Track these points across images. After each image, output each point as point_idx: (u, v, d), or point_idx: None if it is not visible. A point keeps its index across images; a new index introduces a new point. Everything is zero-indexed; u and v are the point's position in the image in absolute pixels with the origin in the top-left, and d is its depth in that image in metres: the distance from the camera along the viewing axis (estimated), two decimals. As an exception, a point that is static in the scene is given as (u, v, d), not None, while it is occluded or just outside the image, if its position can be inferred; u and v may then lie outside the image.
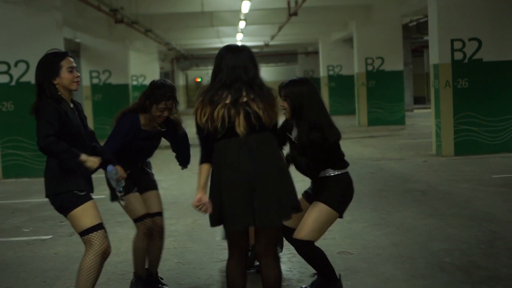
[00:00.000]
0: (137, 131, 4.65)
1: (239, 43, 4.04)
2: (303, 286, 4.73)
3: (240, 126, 3.59)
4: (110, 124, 4.88)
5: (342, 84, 26.29)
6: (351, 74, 24.99)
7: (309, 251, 4.41)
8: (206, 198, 3.67)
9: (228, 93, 3.63)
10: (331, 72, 26.85)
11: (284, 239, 4.84)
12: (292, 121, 4.45)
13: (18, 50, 11.72)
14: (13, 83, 11.76)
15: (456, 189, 8.74)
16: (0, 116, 11.79)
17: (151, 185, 4.88)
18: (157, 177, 5.11)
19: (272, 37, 24.72)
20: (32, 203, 9.17)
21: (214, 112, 3.59)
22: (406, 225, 6.72)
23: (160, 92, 4.62)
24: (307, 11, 17.20)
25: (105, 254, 3.97)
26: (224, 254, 5.82)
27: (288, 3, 15.73)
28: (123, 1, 15.26)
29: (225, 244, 6.14)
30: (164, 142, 5.05)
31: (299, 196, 4.19)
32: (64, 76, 3.97)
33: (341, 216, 4.50)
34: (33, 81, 12.58)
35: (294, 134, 4.45)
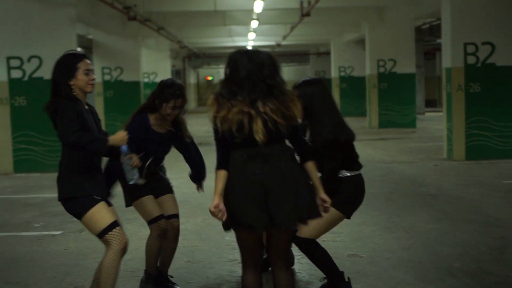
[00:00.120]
0: (147, 131, 4.66)
1: (249, 47, 3.98)
2: None
3: (259, 133, 3.50)
4: (122, 121, 4.90)
5: (353, 86, 26.25)
6: (363, 75, 24.92)
7: (310, 249, 4.41)
8: (222, 204, 3.60)
9: (244, 97, 3.54)
10: (342, 73, 26.80)
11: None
12: (305, 123, 4.45)
13: (31, 45, 11.79)
14: (26, 78, 11.83)
15: (466, 194, 8.71)
16: (13, 111, 11.85)
17: (166, 188, 4.88)
18: (167, 175, 5.11)
19: (284, 37, 24.71)
20: (43, 198, 9.22)
21: (229, 115, 3.52)
22: (416, 229, 6.70)
23: (169, 91, 4.64)
24: (320, 11, 17.17)
25: (124, 250, 4.02)
26: (234, 254, 5.86)
27: (301, 3, 15.71)
28: (137, -1, 15.32)
29: (234, 244, 6.17)
30: None
31: None
32: (80, 78, 4.00)
33: (348, 217, 4.49)
34: (45, 76, 12.76)
35: (307, 135, 4.45)
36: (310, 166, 3.76)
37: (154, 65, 25.24)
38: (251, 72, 3.55)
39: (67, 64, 4.00)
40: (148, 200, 4.71)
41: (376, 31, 19.70)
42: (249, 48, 3.82)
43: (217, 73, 44.21)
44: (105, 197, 4.12)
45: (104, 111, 19.37)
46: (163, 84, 4.70)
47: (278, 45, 29.18)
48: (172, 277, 5.00)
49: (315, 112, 4.36)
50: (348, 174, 4.41)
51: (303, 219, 3.67)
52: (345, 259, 5.54)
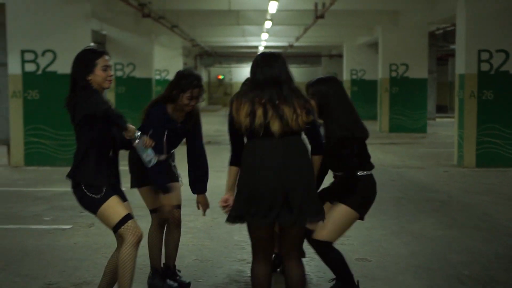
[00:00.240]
0: (167, 120, 4.68)
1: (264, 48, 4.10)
2: None
3: (275, 126, 3.63)
4: (138, 117, 4.91)
5: (365, 89, 26.19)
6: (375, 79, 24.87)
7: (327, 252, 4.41)
8: (232, 199, 3.70)
9: (263, 95, 3.68)
10: (354, 76, 26.75)
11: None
12: (319, 120, 4.45)
13: (46, 39, 11.85)
14: (40, 72, 11.89)
15: (476, 201, 8.68)
16: (25, 104, 11.92)
17: (173, 177, 4.90)
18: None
19: (297, 39, 24.68)
20: (53, 192, 9.26)
21: (250, 109, 3.65)
22: (425, 235, 6.68)
23: (187, 81, 4.66)
24: (334, 14, 17.15)
25: (139, 242, 4.07)
26: (242, 254, 5.87)
27: (315, 5, 15.70)
28: (151, -4, 15.35)
29: (243, 244, 6.20)
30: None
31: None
32: (98, 73, 4.04)
33: (362, 218, 4.49)
34: (59, 71, 12.81)
35: (321, 132, 4.45)
36: (316, 159, 3.95)
37: (166, 63, 25.27)
38: (268, 74, 3.70)
39: (86, 60, 4.04)
40: (153, 189, 4.73)
41: (390, 35, 19.66)
42: (270, 51, 3.90)
43: (228, 72, 44.21)
44: (119, 191, 4.15)
45: (116, 107, 19.38)
46: (181, 75, 4.72)
47: (291, 46, 29.16)
48: (179, 271, 5.02)
49: (330, 110, 4.36)
50: (363, 173, 4.41)
51: (309, 220, 3.71)
52: (353, 263, 5.53)
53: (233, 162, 3.82)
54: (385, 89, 19.93)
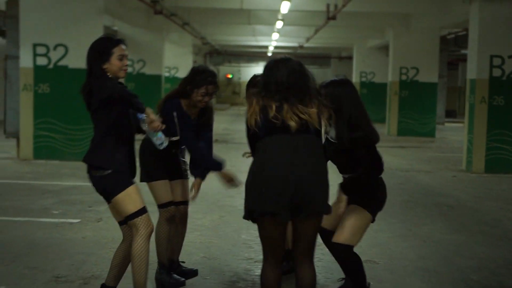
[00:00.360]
0: (182, 115, 4.68)
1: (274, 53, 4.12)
2: None
3: (292, 120, 3.63)
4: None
5: (374, 92, 26.16)
6: (384, 82, 24.83)
7: (347, 255, 4.39)
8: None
9: (278, 97, 3.69)
10: (363, 79, 26.73)
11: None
12: (331, 122, 4.44)
13: (58, 33, 11.90)
14: (51, 66, 11.93)
15: (484, 207, 8.66)
16: (36, 98, 11.96)
17: (181, 173, 4.91)
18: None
19: (308, 39, 24.68)
20: (62, 186, 9.29)
21: (263, 110, 3.66)
22: (433, 239, 6.67)
23: (201, 77, 4.66)
24: (345, 15, 17.13)
25: (150, 236, 4.08)
26: (250, 253, 5.87)
27: (327, 7, 15.69)
28: (164, -7, 15.38)
29: (250, 242, 6.20)
30: None
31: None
32: (114, 62, 4.03)
33: (372, 220, 4.49)
34: (70, 65, 12.84)
35: (331, 133, 4.44)
36: None
37: (175, 60, 25.31)
38: (280, 79, 3.71)
39: (102, 48, 4.03)
40: (162, 185, 4.75)
41: (401, 38, 19.63)
42: (282, 56, 3.91)
43: (237, 71, 44.24)
44: (133, 176, 4.16)
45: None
46: (195, 71, 4.72)
47: (301, 47, 29.15)
48: (183, 262, 5.03)
49: (342, 112, 4.36)
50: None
51: (318, 212, 3.71)
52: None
53: None
54: (394, 92, 19.89)
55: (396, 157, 14.17)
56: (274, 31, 23.24)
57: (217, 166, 4.66)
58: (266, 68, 3.83)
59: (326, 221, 4.35)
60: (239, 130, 20.05)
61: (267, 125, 3.67)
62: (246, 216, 3.74)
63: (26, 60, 11.89)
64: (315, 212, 3.69)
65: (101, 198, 4.22)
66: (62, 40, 11.89)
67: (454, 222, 7.55)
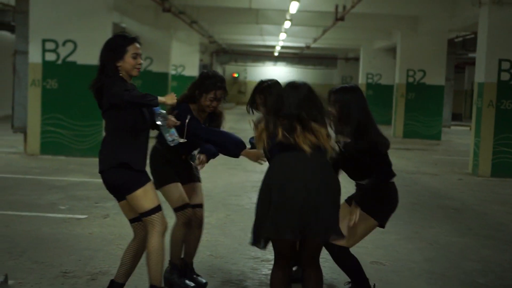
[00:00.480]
0: (192, 118, 4.69)
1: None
2: None
3: (305, 144, 3.69)
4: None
5: (380, 93, 26.14)
6: (390, 84, 24.81)
7: (343, 257, 4.42)
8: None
9: (288, 121, 3.76)
10: (370, 80, 26.70)
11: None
12: (339, 129, 4.46)
13: (67, 29, 11.92)
14: (60, 61, 11.96)
15: (491, 211, 8.65)
16: (44, 93, 11.99)
17: (194, 177, 4.92)
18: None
19: (315, 40, 24.66)
20: (68, 182, 9.32)
21: (274, 135, 3.73)
22: (440, 242, 6.67)
23: (210, 82, 4.66)
24: (353, 16, 17.12)
25: (164, 233, 4.11)
26: (256, 252, 5.87)
27: (336, 8, 15.68)
28: (173, -9, 15.41)
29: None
30: None
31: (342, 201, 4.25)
32: (128, 60, 4.03)
33: (382, 226, 4.50)
34: (78, 61, 12.84)
35: (340, 142, 4.46)
36: None
37: (182, 58, 25.33)
38: (292, 105, 3.76)
39: (117, 46, 4.04)
40: (175, 187, 4.74)
41: (408, 41, 19.61)
42: (293, 81, 3.95)
43: (243, 70, 44.23)
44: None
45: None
46: (204, 75, 4.73)
47: (308, 47, 29.14)
48: (196, 272, 5.03)
49: (350, 119, 4.37)
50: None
51: (329, 235, 3.76)
52: (368, 266, 5.53)
53: None
54: (401, 95, 19.88)
55: (402, 159, 14.16)
56: (281, 31, 23.23)
57: (241, 143, 4.63)
58: (276, 95, 3.88)
59: None
60: (245, 129, 20.04)
61: (276, 146, 3.74)
62: (254, 242, 3.80)
63: (35, 56, 11.92)
64: (326, 239, 3.77)
65: (107, 194, 4.23)
66: (71, 36, 11.92)
67: (460, 225, 7.54)
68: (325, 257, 5.34)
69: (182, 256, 4.92)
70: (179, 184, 4.79)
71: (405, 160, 14.04)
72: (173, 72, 24.13)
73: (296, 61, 39.52)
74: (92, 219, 7.04)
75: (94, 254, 5.63)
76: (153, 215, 4.03)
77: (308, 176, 3.66)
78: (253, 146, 4.58)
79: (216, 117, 4.84)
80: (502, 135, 11.89)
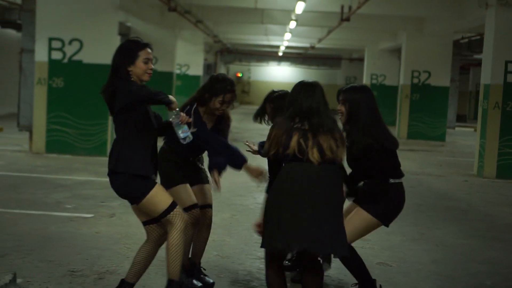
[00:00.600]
0: (200, 123, 4.69)
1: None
2: None
3: (315, 155, 3.74)
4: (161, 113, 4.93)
5: (384, 94, 26.08)
6: (395, 85, 24.78)
7: (348, 256, 4.42)
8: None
9: (304, 124, 3.79)
10: (374, 81, 26.67)
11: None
12: (346, 127, 4.47)
13: (73, 28, 11.93)
14: (66, 60, 11.97)
15: (497, 212, 8.64)
16: (50, 92, 12.01)
17: (202, 179, 4.93)
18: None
19: (319, 40, 24.65)
20: (74, 180, 9.33)
21: (290, 139, 3.76)
22: (446, 243, 6.66)
23: (220, 85, 4.67)
24: (359, 17, 17.11)
25: (186, 226, 4.15)
26: (262, 252, 5.83)
27: (342, 8, 15.67)
28: (178, -10, 15.41)
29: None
30: None
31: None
32: (139, 66, 4.06)
33: (386, 225, 4.51)
34: (84, 60, 12.84)
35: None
36: None
37: (187, 58, 25.34)
38: (310, 106, 3.82)
39: (129, 50, 4.07)
40: (183, 188, 4.75)
41: (414, 42, 19.58)
42: (308, 81, 3.98)
43: (247, 70, 44.22)
44: (155, 174, 4.20)
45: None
46: (214, 79, 4.73)
47: (312, 47, 29.12)
48: (204, 269, 5.04)
49: (359, 118, 4.38)
50: (392, 181, 4.42)
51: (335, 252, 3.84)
52: (374, 267, 5.53)
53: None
54: (405, 96, 19.85)
55: (407, 160, 14.13)
56: (286, 31, 23.23)
57: (242, 157, 4.65)
58: (292, 95, 3.91)
59: None
60: (248, 129, 20.08)
61: (288, 155, 3.77)
62: (270, 247, 3.86)
63: (41, 54, 11.94)
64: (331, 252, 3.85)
65: (113, 193, 4.24)
66: (77, 35, 11.93)
67: (467, 227, 7.54)
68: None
69: (190, 256, 4.93)
70: (187, 185, 4.80)
71: (409, 161, 14.02)
72: (178, 72, 24.14)
73: (300, 61, 39.50)
74: (98, 218, 7.05)
75: (101, 253, 5.64)
76: (170, 214, 4.06)
77: (316, 190, 3.71)
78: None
79: (223, 120, 4.85)
80: (507, 137, 11.88)
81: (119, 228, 6.61)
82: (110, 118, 11.84)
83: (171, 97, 3.99)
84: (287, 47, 32.75)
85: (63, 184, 9.05)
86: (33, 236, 6.13)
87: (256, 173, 4.67)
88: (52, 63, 11.96)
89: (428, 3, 15.96)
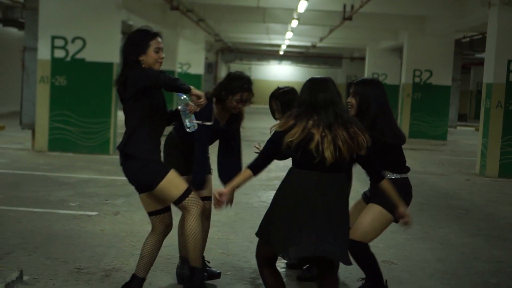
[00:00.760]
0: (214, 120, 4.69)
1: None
2: None
3: (329, 151, 3.65)
4: None
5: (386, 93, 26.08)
6: (396, 84, 24.77)
7: (360, 252, 4.42)
8: (226, 197, 3.82)
9: (320, 118, 3.71)
10: (375, 80, 26.65)
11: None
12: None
13: (76, 26, 11.94)
14: (68, 58, 11.97)
15: (500, 211, 8.65)
16: (52, 90, 12.01)
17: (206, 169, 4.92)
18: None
19: (321, 39, 24.64)
20: (77, 178, 9.34)
21: (303, 131, 3.67)
22: (450, 242, 6.67)
23: (237, 83, 4.64)
24: (361, 16, 17.12)
25: (201, 212, 4.16)
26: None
27: (344, 7, 15.68)
28: (181, -11, 15.41)
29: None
30: None
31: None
32: (150, 55, 4.07)
33: (396, 221, 4.50)
34: (87, 58, 12.84)
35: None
36: (386, 185, 4.06)
37: (188, 56, 25.32)
38: (326, 100, 3.75)
39: (139, 40, 4.08)
40: (187, 180, 4.74)
41: (415, 41, 19.58)
42: (319, 76, 3.96)
43: (248, 69, 44.15)
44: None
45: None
46: (231, 77, 4.69)
47: (314, 46, 29.12)
48: (208, 262, 5.05)
49: (368, 112, 4.38)
50: (396, 176, 4.43)
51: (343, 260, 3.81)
52: (380, 265, 5.52)
53: (252, 168, 3.87)
54: (407, 95, 19.85)
55: (409, 159, 14.03)
56: (288, 30, 23.22)
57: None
58: (305, 89, 3.83)
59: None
60: (251, 127, 20.06)
61: (303, 154, 3.69)
62: (279, 251, 3.80)
63: (44, 52, 11.95)
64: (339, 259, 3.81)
65: (117, 191, 4.27)
66: (80, 33, 11.94)
67: (470, 226, 7.54)
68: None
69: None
70: (189, 178, 4.79)
71: (412, 160, 13.99)
72: (179, 70, 24.14)
73: (301, 60, 39.48)
74: (102, 216, 7.06)
75: (107, 250, 5.65)
76: (185, 200, 4.08)
77: (328, 198, 3.69)
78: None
79: (237, 117, 4.84)
80: (509, 136, 11.88)
81: (123, 226, 6.62)
82: (113, 116, 11.94)
83: (194, 88, 4.01)
84: (288, 46, 32.74)
85: (66, 182, 9.06)
86: (38, 234, 6.14)
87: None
88: (55, 61, 11.97)
89: (430, 2, 15.96)
